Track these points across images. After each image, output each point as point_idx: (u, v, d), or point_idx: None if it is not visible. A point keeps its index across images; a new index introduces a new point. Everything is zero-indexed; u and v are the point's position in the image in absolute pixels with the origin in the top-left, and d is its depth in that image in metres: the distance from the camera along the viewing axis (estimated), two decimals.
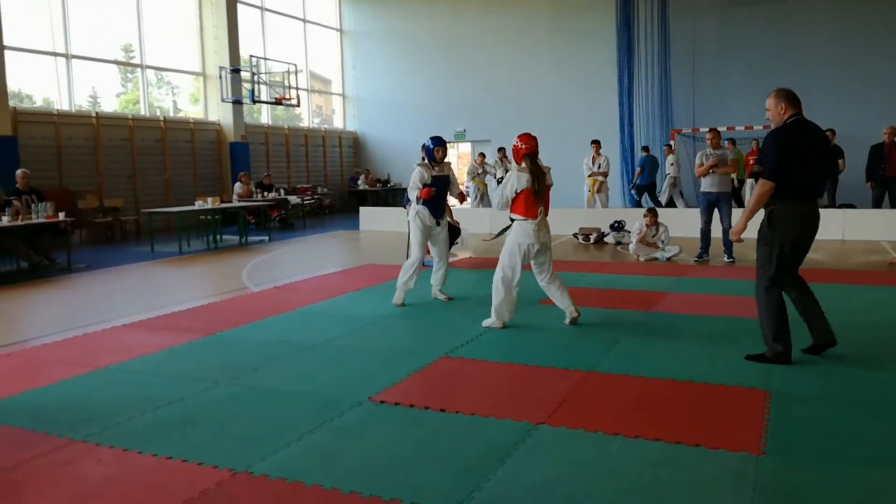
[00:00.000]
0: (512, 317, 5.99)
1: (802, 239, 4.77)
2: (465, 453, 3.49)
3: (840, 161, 13.36)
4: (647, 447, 3.50)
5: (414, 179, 6.90)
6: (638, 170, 15.79)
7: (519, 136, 5.87)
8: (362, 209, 16.26)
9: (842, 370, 4.69)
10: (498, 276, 5.89)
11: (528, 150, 5.80)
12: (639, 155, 16.12)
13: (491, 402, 4.21)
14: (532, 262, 5.94)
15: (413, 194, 6.94)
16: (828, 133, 13.56)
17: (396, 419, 3.98)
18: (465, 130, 20.61)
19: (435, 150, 6.91)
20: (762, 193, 4.67)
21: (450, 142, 21.31)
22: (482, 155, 17.25)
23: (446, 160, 7.07)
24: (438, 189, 6.93)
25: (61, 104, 14.31)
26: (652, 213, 10.24)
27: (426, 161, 6.99)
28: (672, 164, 15.45)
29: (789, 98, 4.81)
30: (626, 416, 3.90)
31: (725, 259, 9.46)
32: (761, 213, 4.83)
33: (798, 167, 4.64)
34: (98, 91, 15.84)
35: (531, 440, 3.62)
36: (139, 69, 16.07)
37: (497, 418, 3.92)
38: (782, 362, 4.74)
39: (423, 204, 6.91)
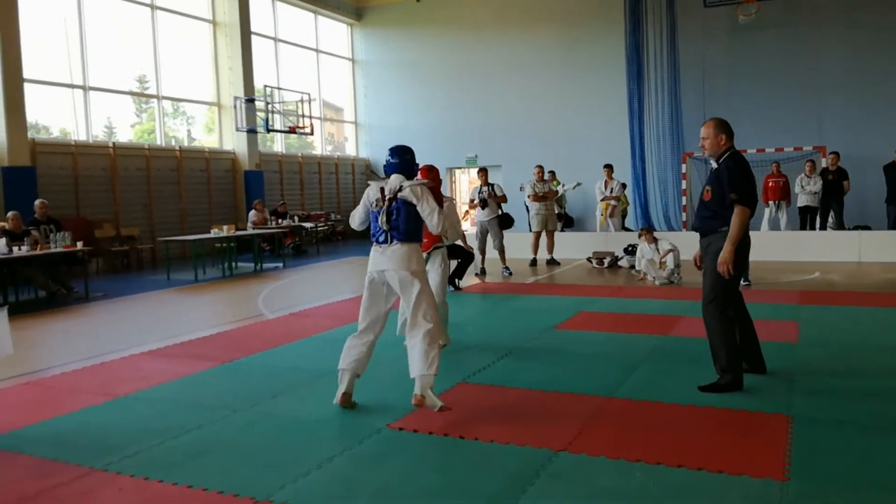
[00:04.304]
0: None
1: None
2: (486, 481, 3.47)
3: (845, 182, 13.35)
4: (670, 474, 3.47)
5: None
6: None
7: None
8: None
9: (864, 394, 4.64)
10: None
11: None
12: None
13: (510, 428, 4.19)
14: None
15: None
16: (831, 156, 13.68)
17: (415, 447, 3.96)
18: (476, 156, 20.71)
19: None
20: (746, 220, 4.62)
21: (460, 167, 21.49)
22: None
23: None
24: None
25: (78, 135, 14.52)
26: (647, 230, 10.35)
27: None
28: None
29: (728, 129, 4.81)
30: (647, 443, 3.87)
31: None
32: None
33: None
34: (113, 121, 16.07)
35: (552, 468, 3.59)
36: (155, 99, 16.30)
37: (517, 445, 3.89)
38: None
39: None
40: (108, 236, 14.16)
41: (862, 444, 3.80)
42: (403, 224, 4.52)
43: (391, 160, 4.73)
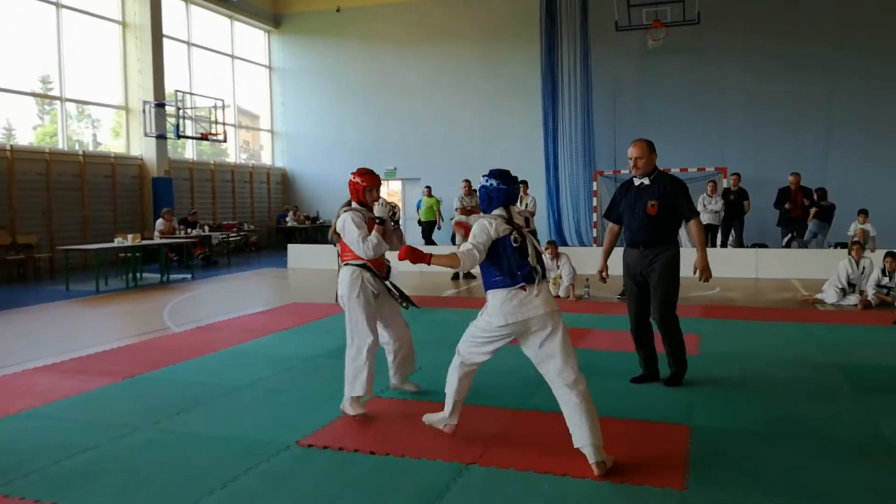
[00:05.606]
0: None
1: None
2: (396, 497, 3.45)
3: (745, 202, 14.04)
4: (576, 485, 3.55)
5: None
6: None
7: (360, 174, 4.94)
8: (290, 246, 16.06)
9: (760, 405, 4.88)
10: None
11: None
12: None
13: (421, 443, 4.19)
14: None
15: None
16: (732, 177, 14.38)
17: (325, 463, 3.91)
18: (395, 168, 20.72)
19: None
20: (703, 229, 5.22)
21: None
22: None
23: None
24: None
25: None
26: (552, 244, 10.60)
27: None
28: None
29: (655, 149, 5.31)
30: (554, 454, 3.93)
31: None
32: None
33: None
34: (13, 123, 15.24)
35: (462, 481, 3.62)
36: (58, 101, 15.57)
37: (428, 459, 3.90)
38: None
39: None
40: (4, 244, 13.39)
41: (756, 451, 3.99)
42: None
43: (507, 187, 4.04)
